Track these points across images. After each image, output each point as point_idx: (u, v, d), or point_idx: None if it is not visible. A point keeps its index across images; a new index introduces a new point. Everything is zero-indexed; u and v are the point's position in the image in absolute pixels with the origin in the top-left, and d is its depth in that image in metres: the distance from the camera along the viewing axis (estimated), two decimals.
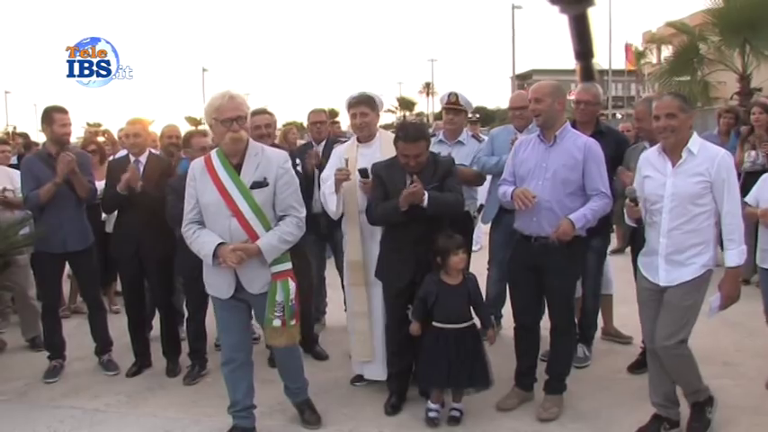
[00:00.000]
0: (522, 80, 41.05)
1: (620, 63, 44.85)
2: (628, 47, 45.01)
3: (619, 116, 41.36)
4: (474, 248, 5.30)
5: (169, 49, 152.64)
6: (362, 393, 4.30)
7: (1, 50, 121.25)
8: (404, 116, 67.85)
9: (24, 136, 11.28)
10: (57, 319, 4.94)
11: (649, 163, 3.49)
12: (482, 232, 5.73)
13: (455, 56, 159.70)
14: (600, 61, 42.36)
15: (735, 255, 3.32)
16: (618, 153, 4.38)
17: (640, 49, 40.79)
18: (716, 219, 3.35)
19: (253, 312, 3.67)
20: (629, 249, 4.92)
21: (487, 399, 3.99)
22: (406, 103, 73.60)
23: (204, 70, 53.20)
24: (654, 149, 3.51)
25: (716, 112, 8.35)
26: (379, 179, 3.95)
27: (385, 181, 3.90)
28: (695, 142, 3.35)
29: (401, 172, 3.88)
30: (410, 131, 3.82)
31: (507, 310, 4.81)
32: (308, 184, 4.86)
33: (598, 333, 5.00)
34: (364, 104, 4.26)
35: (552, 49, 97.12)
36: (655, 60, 32.62)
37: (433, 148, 4.34)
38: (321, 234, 5.16)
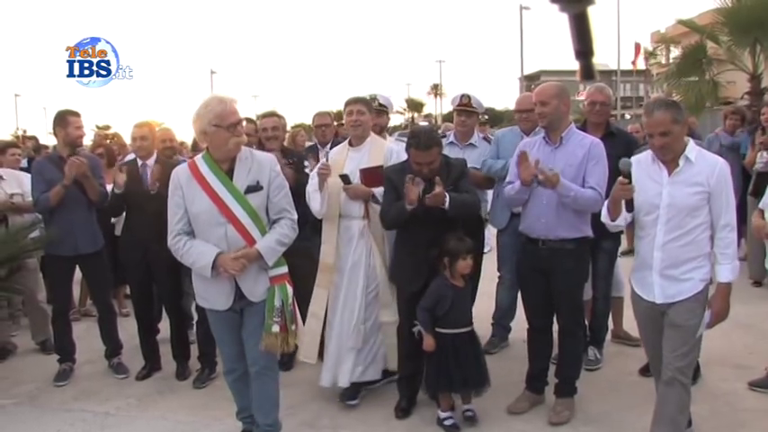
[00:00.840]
0: (530, 81, 40.92)
1: (628, 63, 44.84)
2: (637, 46, 44.97)
3: (627, 116, 41.27)
4: (485, 250, 5.28)
5: (177, 51, 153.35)
6: (372, 397, 4.28)
7: (10, 54, 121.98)
8: (412, 117, 67.86)
9: (34, 139, 11.37)
10: (67, 322, 4.95)
11: (642, 169, 3.21)
12: (491, 234, 5.70)
13: (463, 57, 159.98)
14: (609, 62, 42.51)
15: (728, 270, 3.13)
16: (627, 154, 4.32)
17: (649, 49, 40.70)
18: (711, 231, 3.14)
19: (243, 321, 3.41)
20: None
21: (498, 402, 3.98)
22: (414, 105, 73.56)
23: (213, 72, 53.57)
24: (647, 154, 3.26)
25: (722, 113, 8.32)
26: (390, 183, 3.92)
27: (397, 185, 3.87)
28: (692, 149, 3.13)
29: None
30: (422, 139, 3.75)
31: (517, 315, 4.81)
32: None
33: (608, 335, 4.96)
34: (361, 104, 4.28)
35: (560, 49, 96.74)
36: (663, 60, 32.49)
37: (444, 150, 4.32)
38: None
